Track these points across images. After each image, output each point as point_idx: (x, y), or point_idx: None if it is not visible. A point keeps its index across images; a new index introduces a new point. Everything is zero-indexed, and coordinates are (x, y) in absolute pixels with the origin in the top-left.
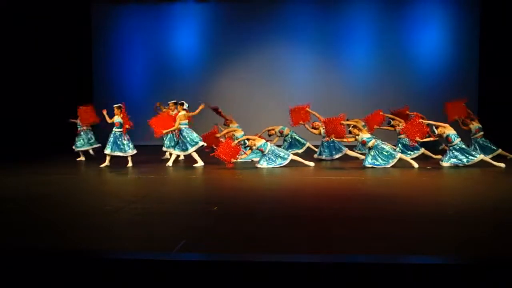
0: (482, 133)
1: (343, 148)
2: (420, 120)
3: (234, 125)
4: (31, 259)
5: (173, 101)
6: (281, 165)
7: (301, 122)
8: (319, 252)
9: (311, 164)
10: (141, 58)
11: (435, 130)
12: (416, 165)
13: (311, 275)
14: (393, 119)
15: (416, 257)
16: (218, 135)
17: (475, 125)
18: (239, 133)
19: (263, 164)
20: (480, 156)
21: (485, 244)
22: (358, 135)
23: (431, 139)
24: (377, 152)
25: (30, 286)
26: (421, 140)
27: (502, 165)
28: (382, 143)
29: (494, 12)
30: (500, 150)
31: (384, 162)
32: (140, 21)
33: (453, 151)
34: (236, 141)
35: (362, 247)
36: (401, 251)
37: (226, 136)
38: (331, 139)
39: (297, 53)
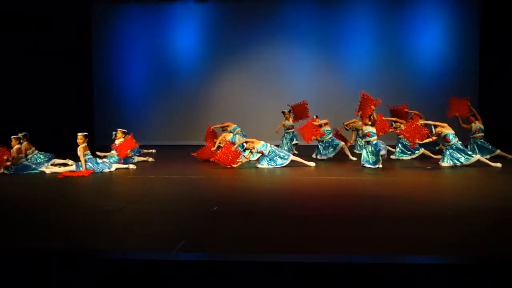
0: (482, 134)
1: (338, 143)
2: (419, 122)
3: (231, 127)
4: (31, 259)
5: (122, 130)
6: (282, 166)
7: (313, 137)
8: (319, 252)
9: (312, 164)
10: (141, 57)
11: (433, 130)
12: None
13: (311, 275)
14: (395, 122)
15: (416, 257)
16: (212, 149)
17: (476, 125)
18: (229, 136)
19: (264, 164)
20: (477, 157)
21: (485, 244)
22: (362, 128)
23: (431, 139)
24: (373, 151)
25: (30, 286)
26: (421, 142)
27: (499, 165)
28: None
29: (494, 12)
30: (498, 151)
31: (373, 162)
32: (140, 21)
33: (450, 150)
34: (235, 145)
35: (362, 247)
36: (401, 251)
37: (221, 143)
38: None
39: (297, 53)
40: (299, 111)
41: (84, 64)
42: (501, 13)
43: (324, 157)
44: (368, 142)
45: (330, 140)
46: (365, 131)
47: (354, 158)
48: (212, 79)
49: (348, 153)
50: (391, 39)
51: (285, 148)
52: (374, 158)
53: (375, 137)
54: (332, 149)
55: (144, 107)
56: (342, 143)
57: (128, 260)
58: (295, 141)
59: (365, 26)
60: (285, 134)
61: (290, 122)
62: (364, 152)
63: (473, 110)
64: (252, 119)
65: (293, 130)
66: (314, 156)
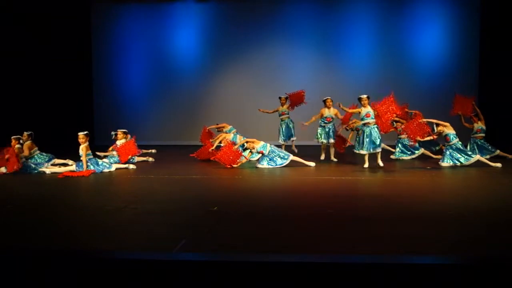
0: (483, 134)
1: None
2: (422, 119)
3: (227, 128)
4: (31, 259)
5: (122, 130)
6: (282, 166)
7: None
8: (319, 252)
9: (312, 164)
10: (141, 57)
11: (435, 128)
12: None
13: (311, 275)
14: (397, 121)
15: (416, 257)
16: (210, 149)
17: (478, 125)
18: (230, 137)
19: (264, 164)
20: (477, 157)
21: (485, 244)
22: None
23: (432, 137)
24: (369, 134)
25: (30, 286)
26: (421, 140)
27: (499, 165)
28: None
29: (494, 12)
30: (498, 151)
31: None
32: (140, 21)
33: (450, 150)
34: (236, 146)
35: (362, 247)
36: (401, 251)
37: (222, 143)
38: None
39: (298, 53)
40: (295, 99)
41: (84, 64)
42: (501, 13)
43: (324, 141)
44: (365, 125)
45: (333, 128)
46: (365, 113)
47: (335, 159)
48: (212, 79)
49: (332, 152)
50: (391, 38)
51: (284, 135)
52: (371, 141)
53: (374, 120)
54: (332, 138)
55: (144, 107)
56: (332, 141)
57: (128, 260)
58: (293, 138)
59: (365, 26)
60: (281, 122)
61: (284, 108)
62: (366, 140)
63: (477, 109)
64: (252, 119)
65: (287, 116)
66: (316, 139)
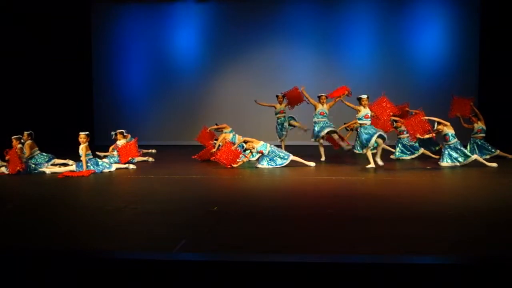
0: (483, 134)
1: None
2: (423, 117)
3: (228, 130)
4: (31, 259)
5: (120, 131)
6: (282, 166)
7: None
8: (319, 252)
9: (312, 164)
10: (141, 57)
11: (435, 126)
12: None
13: (311, 275)
14: (397, 121)
15: (416, 257)
16: (212, 151)
17: (479, 125)
18: (229, 136)
19: (264, 164)
20: (474, 156)
21: (485, 244)
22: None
23: (432, 135)
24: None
25: (30, 286)
26: (421, 137)
27: (494, 164)
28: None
29: (494, 12)
30: (498, 152)
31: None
32: (140, 21)
33: (449, 149)
34: (235, 145)
35: (362, 247)
36: (401, 251)
37: (221, 143)
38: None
39: (298, 53)
40: (292, 97)
41: (84, 64)
42: (501, 13)
43: (321, 134)
44: (361, 125)
45: (327, 121)
46: (364, 114)
47: (323, 159)
48: (212, 79)
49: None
50: (392, 38)
51: (278, 132)
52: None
53: (370, 122)
54: (329, 128)
55: (144, 107)
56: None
57: (128, 260)
58: (283, 138)
59: (366, 26)
60: (277, 119)
61: (282, 107)
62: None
63: (476, 110)
64: (252, 119)
65: (284, 115)
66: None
